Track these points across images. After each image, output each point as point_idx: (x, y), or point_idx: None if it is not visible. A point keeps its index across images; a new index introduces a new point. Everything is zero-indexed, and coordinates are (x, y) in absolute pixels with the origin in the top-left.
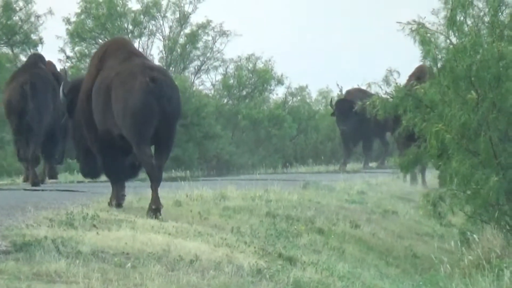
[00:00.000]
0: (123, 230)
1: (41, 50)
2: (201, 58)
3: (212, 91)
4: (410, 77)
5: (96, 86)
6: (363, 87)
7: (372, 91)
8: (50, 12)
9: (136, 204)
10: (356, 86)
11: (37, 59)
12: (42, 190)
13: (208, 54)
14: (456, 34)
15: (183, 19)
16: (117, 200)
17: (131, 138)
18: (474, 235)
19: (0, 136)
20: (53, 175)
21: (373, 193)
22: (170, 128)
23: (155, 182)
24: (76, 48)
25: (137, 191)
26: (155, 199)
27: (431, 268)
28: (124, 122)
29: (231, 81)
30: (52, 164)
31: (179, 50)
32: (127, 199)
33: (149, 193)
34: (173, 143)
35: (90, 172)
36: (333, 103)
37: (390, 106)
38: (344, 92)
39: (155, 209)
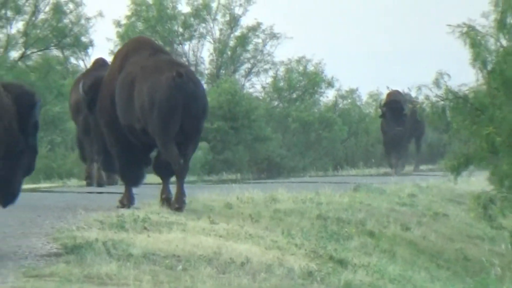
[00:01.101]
0: (174, 232)
1: (91, 52)
2: (251, 61)
3: (263, 94)
4: None
5: (119, 81)
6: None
7: (413, 94)
8: (100, 14)
9: (187, 206)
10: (395, 89)
11: (102, 63)
12: (92, 192)
13: (259, 57)
14: (506, 37)
15: (233, 21)
16: (129, 201)
17: (156, 133)
18: None
19: (50, 138)
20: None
21: (424, 196)
22: (196, 123)
23: (180, 179)
24: None
25: (189, 194)
26: (179, 197)
27: (482, 271)
28: (149, 117)
29: (282, 83)
30: None
31: (229, 52)
32: None
33: (199, 195)
34: (199, 139)
35: (112, 166)
36: (382, 104)
37: (440, 109)
38: (385, 94)
39: (177, 208)
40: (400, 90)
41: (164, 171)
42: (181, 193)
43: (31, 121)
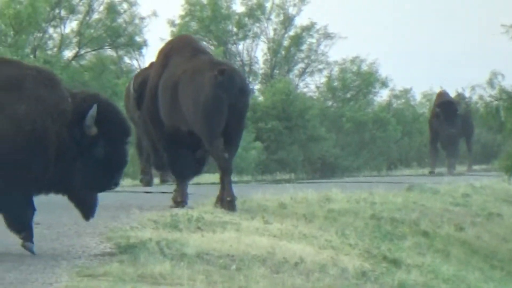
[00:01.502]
0: (228, 232)
1: (145, 52)
2: (305, 61)
3: (317, 94)
4: None
5: (162, 83)
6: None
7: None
8: (154, 14)
9: (241, 206)
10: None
11: None
12: (147, 192)
13: (313, 57)
14: None
15: (288, 21)
16: (183, 198)
17: (202, 133)
18: None
19: None
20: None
21: (478, 196)
22: (239, 119)
23: (228, 176)
24: None
25: (242, 194)
26: (228, 191)
27: None
28: (195, 118)
29: (336, 83)
30: None
31: (283, 52)
32: None
33: (253, 195)
34: (242, 135)
35: (162, 165)
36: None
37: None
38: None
39: (229, 201)
40: (453, 90)
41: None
42: (229, 189)
43: (84, 130)
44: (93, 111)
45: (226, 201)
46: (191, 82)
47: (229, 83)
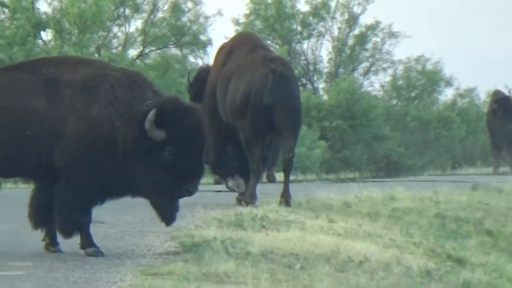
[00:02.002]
0: (292, 231)
1: (209, 51)
2: (370, 60)
3: (381, 93)
4: None
5: (220, 77)
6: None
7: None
8: (219, 13)
9: (306, 205)
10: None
11: None
12: (210, 191)
13: (377, 56)
14: None
15: (352, 20)
16: (252, 198)
17: (242, 130)
18: None
19: None
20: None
21: None
22: (288, 118)
23: (256, 178)
24: None
25: (307, 193)
26: (250, 193)
27: None
28: (239, 113)
29: (400, 82)
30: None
31: (348, 51)
32: (297, 200)
33: (318, 194)
34: (295, 136)
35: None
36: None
37: None
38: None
39: (249, 202)
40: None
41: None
42: (252, 192)
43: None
44: (151, 115)
45: (246, 201)
46: (242, 76)
47: (279, 83)
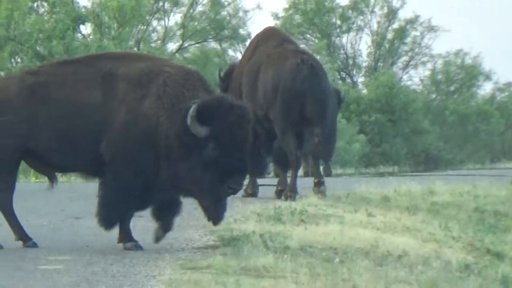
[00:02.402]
0: (331, 225)
1: None
2: (409, 54)
3: (420, 87)
4: None
5: (246, 69)
6: None
7: None
8: (258, 7)
9: (345, 199)
10: None
11: None
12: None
13: (416, 50)
14: None
15: (391, 14)
16: (291, 192)
17: (276, 119)
18: None
19: None
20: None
21: None
22: (318, 108)
23: (296, 171)
24: None
25: (346, 187)
26: (292, 186)
27: None
28: (272, 103)
29: (439, 76)
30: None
31: (387, 45)
32: (336, 194)
33: (357, 187)
34: (327, 124)
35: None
36: None
37: None
38: None
39: (290, 196)
40: None
41: (282, 164)
42: (292, 186)
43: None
44: (192, 110)
45: (286, 195)
46: (273, 66)
47: (309, 73)
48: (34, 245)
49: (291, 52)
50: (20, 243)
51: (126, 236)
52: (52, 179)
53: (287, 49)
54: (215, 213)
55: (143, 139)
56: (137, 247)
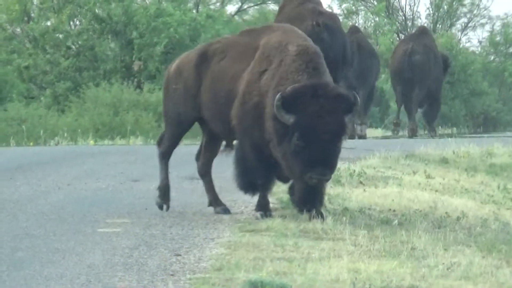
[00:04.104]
0: (390, 187)
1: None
2: (467, 15)
3: (479, 49)
4: None
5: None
6: None
7: None
8: None
9: (403, 161)
10: None
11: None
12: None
13: (475, 11)
14: None
15: None
16: None
17: None
18: None
19: None
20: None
21: None
22: (333, 70)
23: None
24: (343, 5)
25: (405, 148)
26: None
27: None
28: None
29: (498, 38)
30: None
31: (445, 7)
32: (395, 156)
33: (416, 150)
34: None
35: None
36: None
37: None
38: None
39: None
40: None
41: None
42: None
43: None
44: (277, 99)
45: None
46: None
47: (325, 35)
48: (225, 211)
49: (309, 14)
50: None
51: (260, 204)
52: (229, 146)
53: (305, 9)
54: (300, 201)
55: (254, 113)
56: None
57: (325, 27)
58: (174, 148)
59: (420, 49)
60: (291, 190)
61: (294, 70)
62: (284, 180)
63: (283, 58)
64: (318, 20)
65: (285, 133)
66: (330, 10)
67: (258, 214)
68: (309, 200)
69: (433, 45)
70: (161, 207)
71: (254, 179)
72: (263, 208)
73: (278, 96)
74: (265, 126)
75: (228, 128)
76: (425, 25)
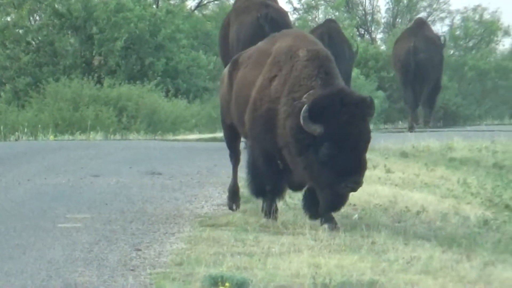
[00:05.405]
0: None
1: None
2: (427, 10)
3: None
4: None
5: (223, 26)
6: None
7: None
8: None
9: None
10: None
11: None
12: None
13: (435, 6)
14: None
15: None
16: None
17: None
18: None
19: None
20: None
21: None
22: None
23: None
24: (303, 0)
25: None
26: None
27: None
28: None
29: (458, 32)
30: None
31: (405, 1)
32: None
33: (376, 144)
34: None
35: None
36: None
37: None
38: None
39: None
40: None
41: None
42: None
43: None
44: (304, 111)
45: None
46: (237, 20)
47: (270, 27)
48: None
49: (255, 6)
50: None
51: (266, 211)
52: None
53: (253, 2)
54: (329, 208)
55: (265, 119)
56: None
57: (269, 19)
58: (236, 151)
59: (422, 45)
60: (305, 199)
61: (307, 76)
62: (296, 188)
63: (293, 64)
64: (264, 12)
65: (310, 143)
66: (278, 5)
67: (264, 219)
68: (338, 208)
69: (433, 34)
70: (231, 208)
71: (264, 185)
72: (266, 214)
73: (305, 107)
74: (277, 132)
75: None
76: (385, 19)
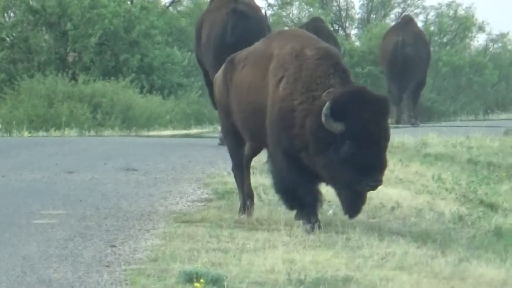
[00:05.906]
0: None
1: None
2: (401, 6)
3: None
4: None
5: (197, 24)
6: None
7: None
8: None
9: None
10: None
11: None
12: None
13: (409, 1)
14: None
15: None
16: None
17: (210, 70)
18: None
19: (202, 84)
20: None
21: None
22: None
23: None
24: None
25: None
26: None
27: None
28: (207, 53)
29: (432, 28)
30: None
31: None
32: None
33: None
34: None
35: None
36: None
37: None
38: None
39: None
40: None
41: None
42: None
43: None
44: (326, 108)
45: None
46: (208, 18)
47: (241, 23)
48: None
49: (225, 2)
50: None
51: (299, 215)
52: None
53: (224, 0)
54: (351, 209)
55: (281, 122)
56: (311, 229)
57: (240, 13)
58: (241, 161)
59: (410, 40)
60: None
61: (323, 74)
62: None
63: (302, 63)
64: (233, 7)
65: (331, 141)
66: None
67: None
68: (361, 208)
69: (421, 31)
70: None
71: (297, 194)
72: (308, 230)
73: (327, 105)
74: (293, 132)
75: (254, 135)
76: (359, 15)
